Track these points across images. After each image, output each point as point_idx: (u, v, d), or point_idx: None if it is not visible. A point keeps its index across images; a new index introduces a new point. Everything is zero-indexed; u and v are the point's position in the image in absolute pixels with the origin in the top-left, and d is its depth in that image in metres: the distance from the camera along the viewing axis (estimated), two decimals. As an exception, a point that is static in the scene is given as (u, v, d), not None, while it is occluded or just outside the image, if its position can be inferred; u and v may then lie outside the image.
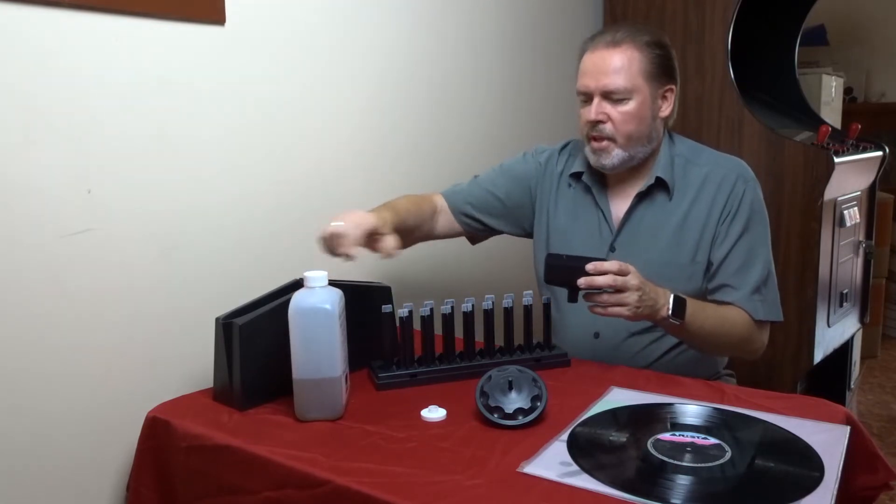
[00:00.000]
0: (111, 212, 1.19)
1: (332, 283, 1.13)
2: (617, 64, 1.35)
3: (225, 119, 1.35)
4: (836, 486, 0.89)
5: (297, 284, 1.14)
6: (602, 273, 1.19)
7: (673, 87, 1.41)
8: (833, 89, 2.94)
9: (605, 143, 1.38)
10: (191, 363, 1.32)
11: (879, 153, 2.46)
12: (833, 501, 0.85)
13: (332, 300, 1.10)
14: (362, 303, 1.29)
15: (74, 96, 1.13)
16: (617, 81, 1.34)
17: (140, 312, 1.24)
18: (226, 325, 1.16)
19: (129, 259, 1.22)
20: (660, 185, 1.42)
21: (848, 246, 2.33)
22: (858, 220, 2.37)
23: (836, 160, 2.05)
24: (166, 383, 1.28)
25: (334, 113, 1.56)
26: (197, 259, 1.32)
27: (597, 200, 1.46)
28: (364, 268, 1.63)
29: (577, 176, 1.49)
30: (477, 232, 1.58)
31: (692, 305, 1.28)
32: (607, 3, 2.41)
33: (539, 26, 2.17)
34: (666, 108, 1.41)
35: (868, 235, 2.53)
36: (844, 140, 2.39)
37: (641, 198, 1.43)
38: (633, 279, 1.20)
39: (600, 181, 1.47)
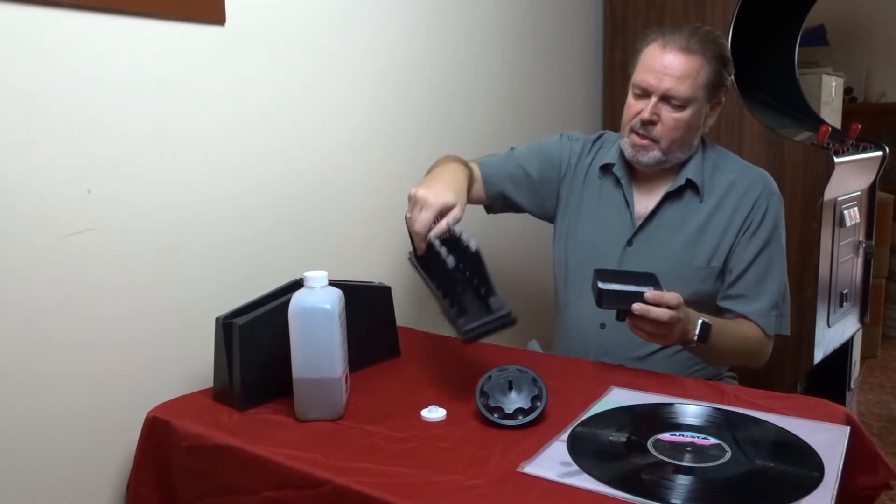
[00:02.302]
0: (111, 212, 1.19)
1: (332, 283, 1.13)
2: (686, 71, 1.33)
3: (225, 119, 1.35)
4: (836, 486, 0.89)
5: (298, 284, 1.14)
6: (659, 305, 1.18)
7: (722, 99, 1.42)
8: (833, 89, 2.94)
9: (647, 142, 1.38)
10: (191, 363, 1.32)
11: (879, 153, 2.46)
12: (833, 501, 0.85)
13: (331, 300, 1.10)
14: (362, 303, 1.30)
15: (74, 96, 1.12)
16: (680, 88, 1.34)
17: (140, 312, 1.24)
18: (226, 325, 1.16)
19: (129, 259, 1.22)
20: (688, 186, 1.42)
21: (848, 246, 2.33)
22: (858, 220, 2.37)
23: (836, 160, 2.05)
24: (166, 383, 1.28)
25: (334, 113, 1.56)
26: (197, 259, 1.32)
27: (624, 194, 1.46)
28: (364, 268, 1.63)
29: (606, 168, 1.49)
30: (502, 207, 1.58)
31: (715, 326, 1.28)
32: (607, 2, 2.41)
33: (539, 26, 2.17)
34: (710, 120, 1.42)
35: (868, 235, 2.53)
36: (844, 140, 2.39)
37: (669, 197, 1.43)
38: (681, 312, 1.20)
39: (629, 174, 1.47)
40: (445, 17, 1.83)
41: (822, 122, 2.45)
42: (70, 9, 1.11)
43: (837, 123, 2.93)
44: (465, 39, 1.90)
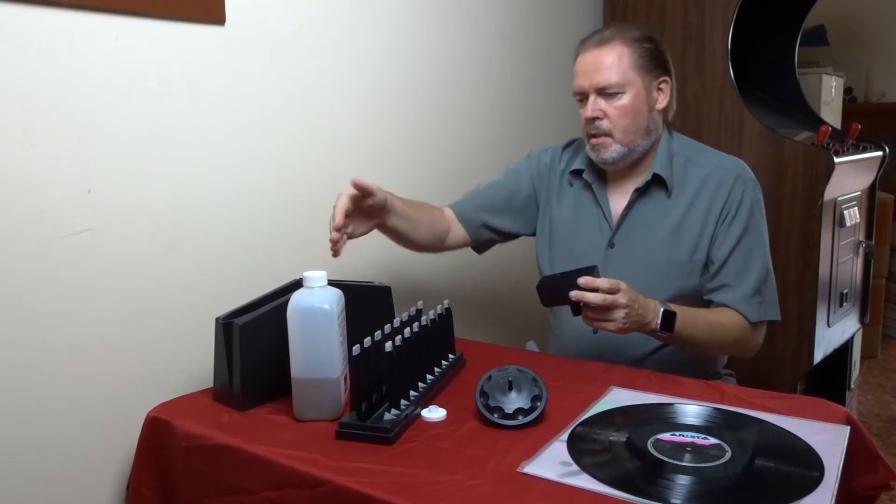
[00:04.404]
0: (111, 212, 1.19)
1: (332, 282, 1.13)
2: (607, 61, 1.38)
3: (225, 119, 1.35)
4: (836, 486, 0.89)
5: (297, 284, 1.14)
6: (593, 289, 1.20)
7: (667, 78, 1.44)
8: (833, 89, 2.94)
9: (603, 138, 1.40)
10: (191, 363, 1.32)
11: (879, 153, 2.46)
12: (833, 501, 0.85)
13: (330, 300, 1.10)
14: (362, 303, 1.29)
15: (74, 96, 1.13)
16: (609, 77, 1.37)
17: (140, 312, 1.24)
18: (226, 325, 1.16)
19: (129, 259, 1.22)
20: (657, 181, 1.43)
21: (848, 246, 2.33)
22: (858, 220, 2.37)
23: (836, 160, 2.05)
24: (166, 383, 1.28)
25: (334, 113, 1.56)
26: (197, 259, 1.32)
27: (596, 197, 1.48)
28: (364, 268, 1.63)
29: (577, 173, 1.51)
30: (488, 239, 1.58)
31: (682, 315, 1.29)
32: (607, 3, 2.41)
33: (538, 26, 2.17)
34: (662, 101, 1.43)
35: (868, 235, 2.53)
36: (844, 140, 2.39)
37: (639, 194, 1.44)
38: (622, 297, 1.20)
39: (600, 178, 1.49)
40: (444, 17, 1.83)
41: (822, 122, 2.45)
42: (70, 9, 1.11)
43: (837, 123, 2.93)
44: (464, 39, 1.90)
